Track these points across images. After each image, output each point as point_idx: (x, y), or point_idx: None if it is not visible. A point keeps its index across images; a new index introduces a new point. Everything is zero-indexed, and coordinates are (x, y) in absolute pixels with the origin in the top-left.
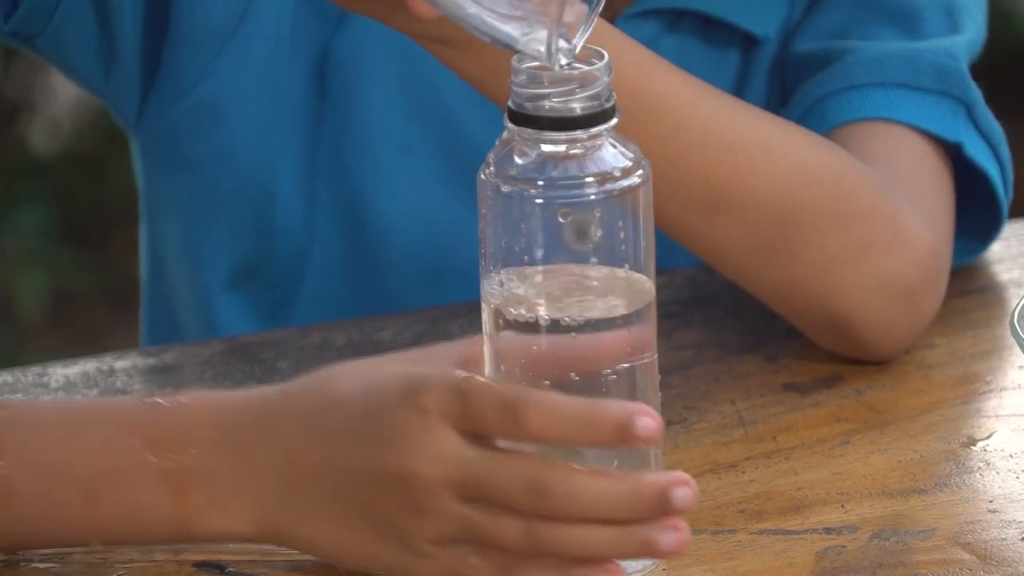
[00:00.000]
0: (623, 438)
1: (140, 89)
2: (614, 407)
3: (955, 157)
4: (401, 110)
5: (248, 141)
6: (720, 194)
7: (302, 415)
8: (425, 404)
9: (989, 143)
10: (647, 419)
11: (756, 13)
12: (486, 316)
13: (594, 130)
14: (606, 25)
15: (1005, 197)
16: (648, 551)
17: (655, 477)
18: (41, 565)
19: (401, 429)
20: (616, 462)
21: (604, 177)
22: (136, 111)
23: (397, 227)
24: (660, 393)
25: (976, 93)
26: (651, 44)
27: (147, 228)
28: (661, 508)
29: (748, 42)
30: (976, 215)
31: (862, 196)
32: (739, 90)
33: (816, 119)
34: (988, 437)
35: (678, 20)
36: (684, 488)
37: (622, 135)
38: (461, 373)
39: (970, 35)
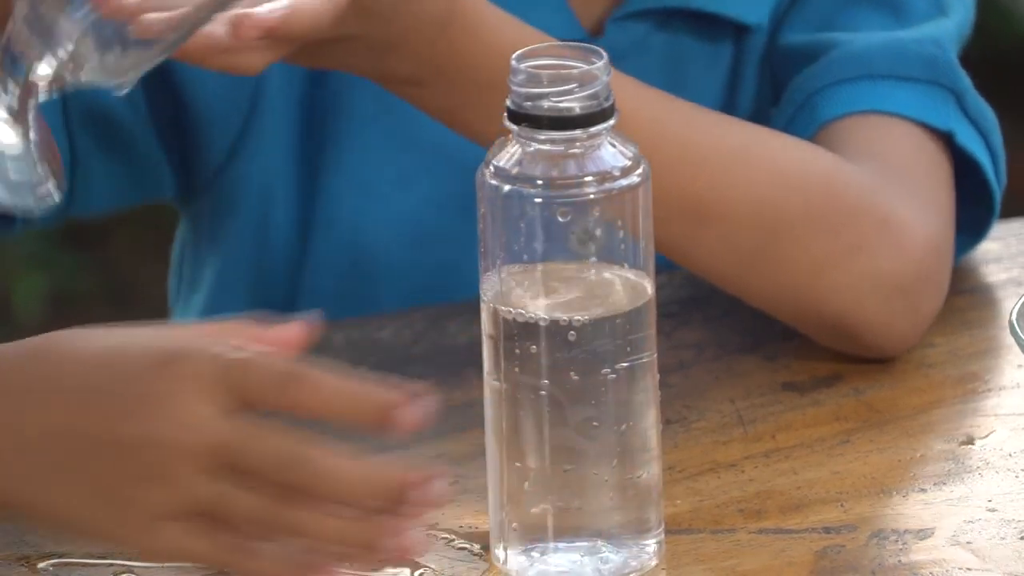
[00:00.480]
0: (382, 425)
1: (177, 186)
2: (380, 394)
3: (947, 147)
4: (392, 142)
5: (250, 196)
6: (700, 207)
7: (34, 376)
8: (183, 372)
9: (980, 131)
10: (408, 410)
11: (746, 2)
12: (485, 315)
13: (593, 129)
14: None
15: (997, 186)
16: (368, 550)
17: (401, 470)
18: (40, 564)
19: (153, 395)
20: (615, 461)
21: (603, 176)
22: (179, 201)
23: (396, 258)
24: (660, 392)
25: (965, 81)
26: (641, 43)
27: (178, 306)
28: (396, 498)
29: (739, 32)
30: (969, 207)
31: (849, 197)
32: (733, 81)
33: (807, 116)
34: (987, 436)
35: (669, 19)
36: (423, 485)
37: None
38: (226, 344)
39: (958, 17)
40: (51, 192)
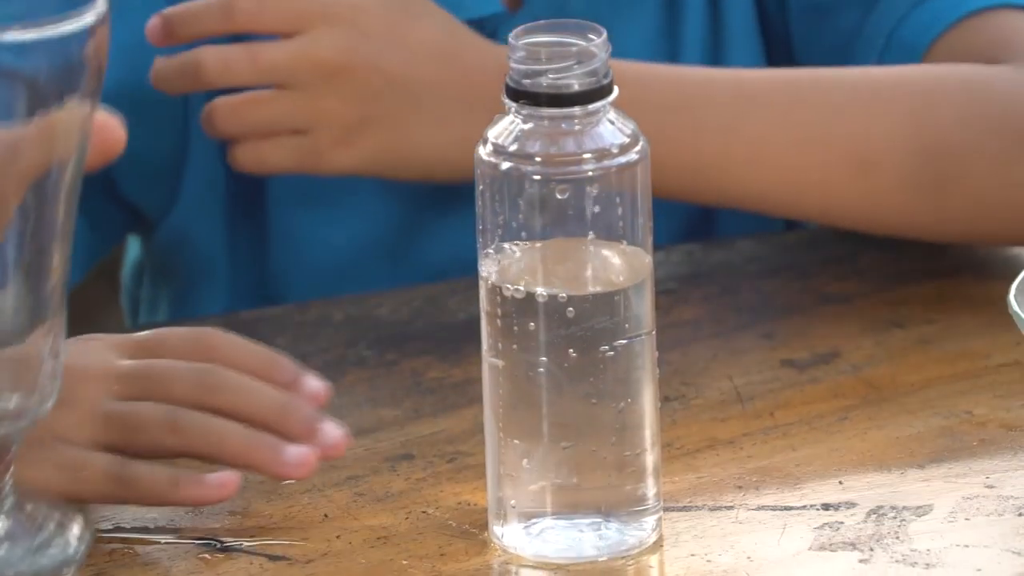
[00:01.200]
0: (291, 388)
1: (131, 228)
2: (289, 363)
3: None
4: None
5: (201, 225)
6: (860, 153)
7: None
8: (101, 337)
9: None
10: (314, 383)
11: None
12: (483, 292)
13: (591, 107)
14: (668, 69)
15: None
16: (271, 456)
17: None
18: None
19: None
20: (614, 438)
21: (602, 154)
22: (134, 233)
23: (354, 259)
24: (658, 369)
25: None
26: (561, 9)
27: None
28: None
29: None
30: None
31: (999, 92)
32: (670, 33)
33: (900, 53)
34: (985, 413)
35: None
36: (336, 431)
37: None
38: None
39: None
40: (74, 549)
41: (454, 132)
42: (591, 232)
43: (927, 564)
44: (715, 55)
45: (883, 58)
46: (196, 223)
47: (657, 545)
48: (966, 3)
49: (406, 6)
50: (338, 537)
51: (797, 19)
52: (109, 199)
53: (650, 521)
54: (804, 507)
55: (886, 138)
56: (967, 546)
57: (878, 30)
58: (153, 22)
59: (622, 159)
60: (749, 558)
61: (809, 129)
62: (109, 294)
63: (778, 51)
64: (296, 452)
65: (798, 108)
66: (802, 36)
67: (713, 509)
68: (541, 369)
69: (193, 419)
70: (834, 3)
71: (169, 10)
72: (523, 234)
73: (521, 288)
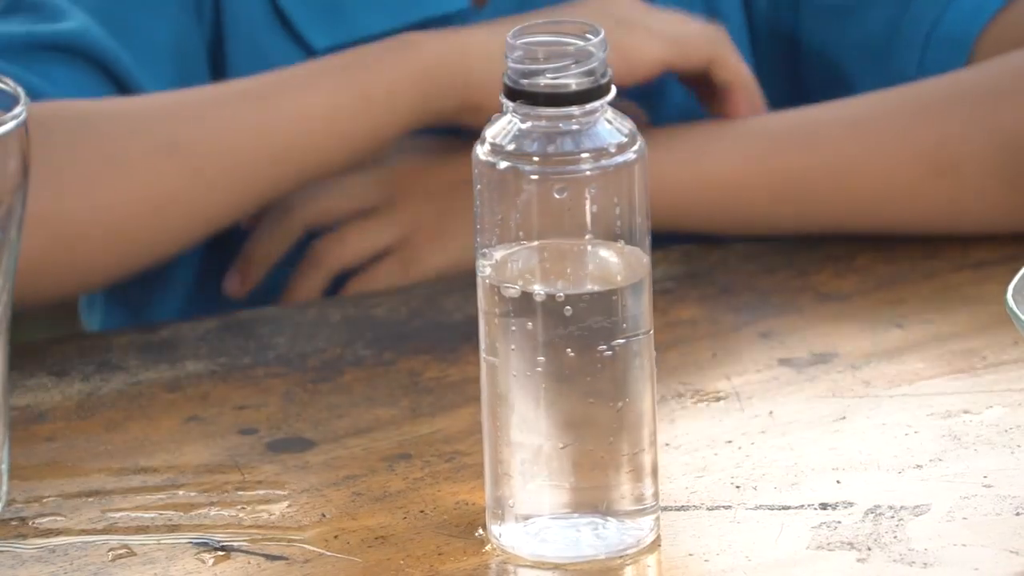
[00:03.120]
0: None
1: None
2: None
3: None
4: None
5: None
6: (941, 152)
7: None
8: None
9: None
10: None
11: None
12: (481, 292)
13: (589, 106)
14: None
15: None
16: None
17: None
18: (38, 541)
19: None
20: (612, 437)
21: (599, 153)
22: None
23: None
24: (656, 368)
25: None
26: (525, 3)
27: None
28: None
29: None
30: None
31: None
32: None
33: (944, 47)
34: (983, 412)
35: None
36: None
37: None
38: None
39: None
40: None
41: None
42: (589, 232)
43: (925, 563)
44: None
45: (925, 56)
46: None
47: (655, 545)
48: None
49: None
50: (336, 537)
51: (812, 19)
52: None
53: (648, 521)
54: (802, 506)
55: (964, 140)
56: (965, 545)
57: (916, 28)
58: (231, 281)
59: (620, 159)
60: (747, 558)
61: (888, 140)
62: None
63: (775, 50)
64: None
65: (874, 122)
66: (819, 37)
67: (711, 509)
68: (539, 369)
69: None
70: (857, 3)
71: (238, 263)
72: (521, 233)
73: (519, 287)
